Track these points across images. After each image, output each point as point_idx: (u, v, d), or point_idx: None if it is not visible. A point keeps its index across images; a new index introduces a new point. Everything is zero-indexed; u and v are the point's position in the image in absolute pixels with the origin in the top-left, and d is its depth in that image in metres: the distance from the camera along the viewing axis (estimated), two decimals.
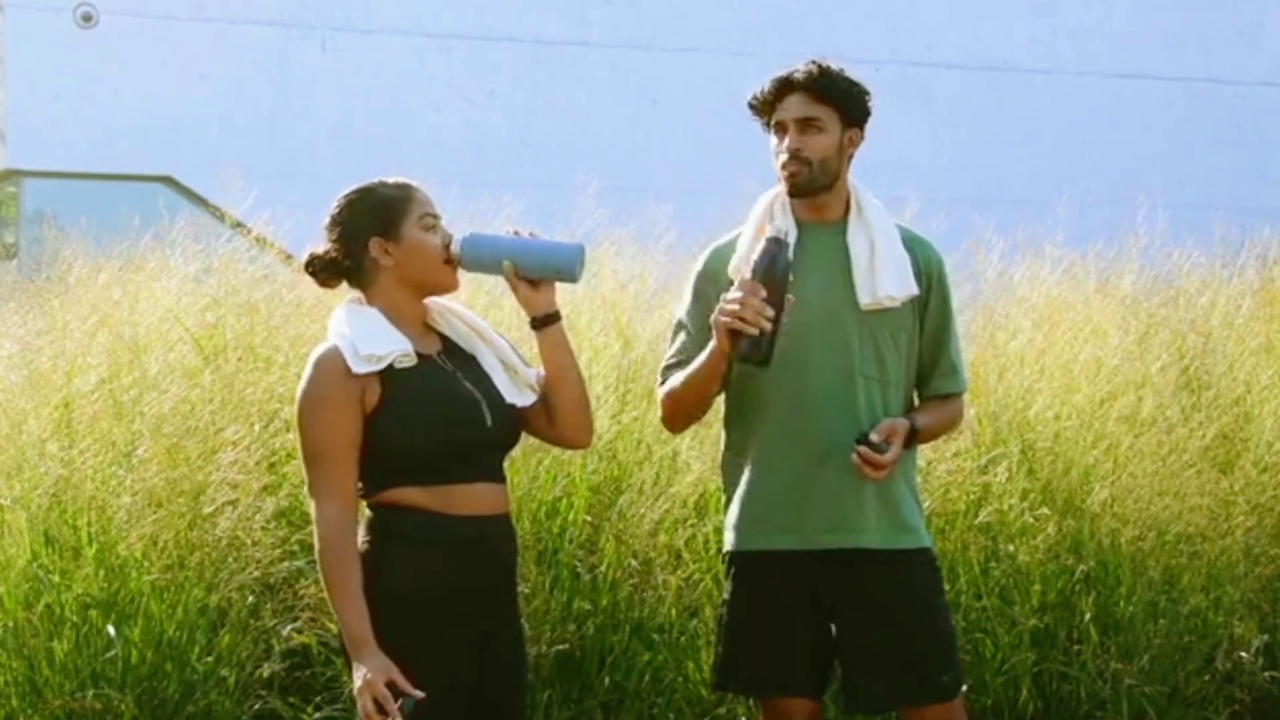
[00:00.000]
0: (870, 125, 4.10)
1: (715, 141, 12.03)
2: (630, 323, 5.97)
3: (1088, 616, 5.66)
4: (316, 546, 3.49)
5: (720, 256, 4.10)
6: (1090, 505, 5.71)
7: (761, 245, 3.83)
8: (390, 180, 3.66)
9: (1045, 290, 6.46)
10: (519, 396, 3.65)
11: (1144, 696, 5.61)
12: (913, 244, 4.09)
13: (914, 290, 4.03)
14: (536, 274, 3.64)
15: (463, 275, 3.67)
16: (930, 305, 4.09)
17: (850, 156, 4.06)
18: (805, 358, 3.96)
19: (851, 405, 3.96)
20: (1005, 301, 6.41)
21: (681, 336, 4.09)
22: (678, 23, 12.40)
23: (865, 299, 3.99)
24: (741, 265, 3.94)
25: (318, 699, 5.20)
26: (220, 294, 5.89)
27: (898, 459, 3.93)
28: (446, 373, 3.59)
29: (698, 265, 4.14)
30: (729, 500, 4.12)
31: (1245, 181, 12.81)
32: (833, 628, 4.03)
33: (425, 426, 3.51)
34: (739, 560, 4.09)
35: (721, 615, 4.14)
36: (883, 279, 3.99)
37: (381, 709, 3.36)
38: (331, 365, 3.51)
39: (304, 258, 3.66)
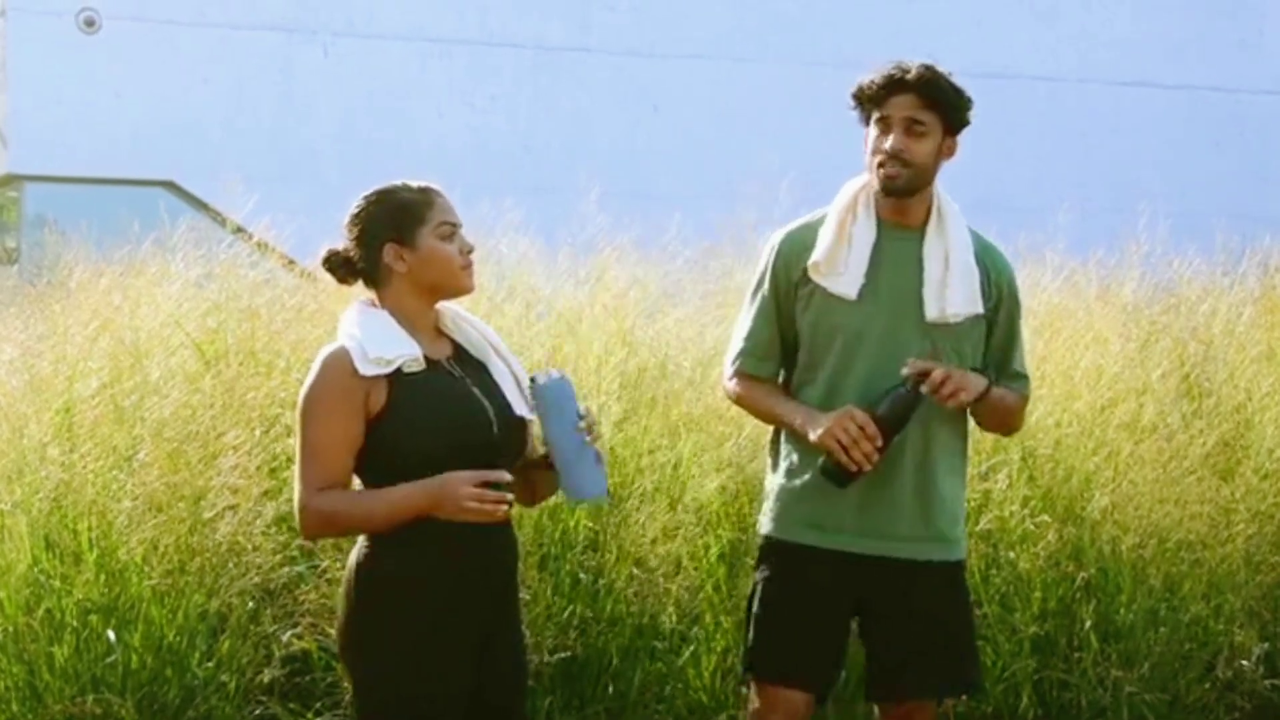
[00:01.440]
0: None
1: (717, 146, 12.05)
2: (633, 328, 5.96)
3: (1088, 624, 5.65)
4: (297, 518, 3.48)
5: (796, 242, 4.07)
6: (1091, 512, 5.71)
7: (899, 391, 3.87)
8: (414, 184, 3.61)
9: (1046, 297, 6.46)
10: (526, 411, 3.63)
11: (1144, 704, 5.60)
12: (984, 256, 4.08)
13: (979, 310, 4.03)
14: (556, 471, 3.59)
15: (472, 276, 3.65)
16: (999, 318, 4.10)
17: (941, 165, 4.04)
18: (863, 365, 3.97)
19: None
20: None
21: (751, 320, 4.11)
22: (679, 28, 12.39)
23: (932, 313, 3.99)
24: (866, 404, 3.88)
25: (318, 704, 5.20)
26: (221, 299, 5.89)
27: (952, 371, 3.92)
28: (455, 378, 3.58)
29: (771, 247, 4.11)
30: (775, 481, 4.09)
31: (1247, 189, 12.79)
32: (854, 625, 4.07)
33: (432, 431, 3.49)
34: (779, 548, 4.07)
35: (752, 601, 4.11)
36: (951, 296, 3.99)
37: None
38: (339, 366, 3.50)
39: (322, 253, 3.62)
